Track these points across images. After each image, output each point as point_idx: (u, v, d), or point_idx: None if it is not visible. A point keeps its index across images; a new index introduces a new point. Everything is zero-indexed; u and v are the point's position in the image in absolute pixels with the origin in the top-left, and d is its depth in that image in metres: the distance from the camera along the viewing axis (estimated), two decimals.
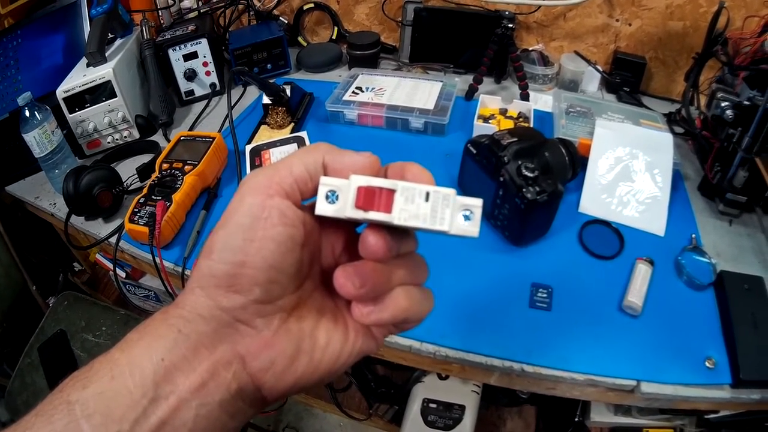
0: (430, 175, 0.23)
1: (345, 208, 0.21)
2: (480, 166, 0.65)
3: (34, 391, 0.88)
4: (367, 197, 0.20)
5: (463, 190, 0.73)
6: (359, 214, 0.20)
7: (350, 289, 0.21)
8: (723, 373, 0.52)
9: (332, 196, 0.21)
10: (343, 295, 0.22)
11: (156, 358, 0.19)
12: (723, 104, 0.65)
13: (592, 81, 0.95)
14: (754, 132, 0.62)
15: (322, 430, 1.26)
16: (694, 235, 0.66)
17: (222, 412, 0.20)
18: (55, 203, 0.79)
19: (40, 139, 0.73)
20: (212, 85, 0.98)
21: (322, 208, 0.21)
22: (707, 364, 0.53)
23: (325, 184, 0.21)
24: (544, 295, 0.59)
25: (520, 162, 0.60)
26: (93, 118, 0.84)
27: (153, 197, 0.68)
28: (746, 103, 0.63)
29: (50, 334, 0.92)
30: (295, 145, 0.77)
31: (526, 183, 0.59)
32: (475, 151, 0.66)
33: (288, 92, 0.86)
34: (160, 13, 1.08)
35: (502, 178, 0.61)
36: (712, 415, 0.77)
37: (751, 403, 0.52)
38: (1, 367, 1.02)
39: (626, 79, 0.93)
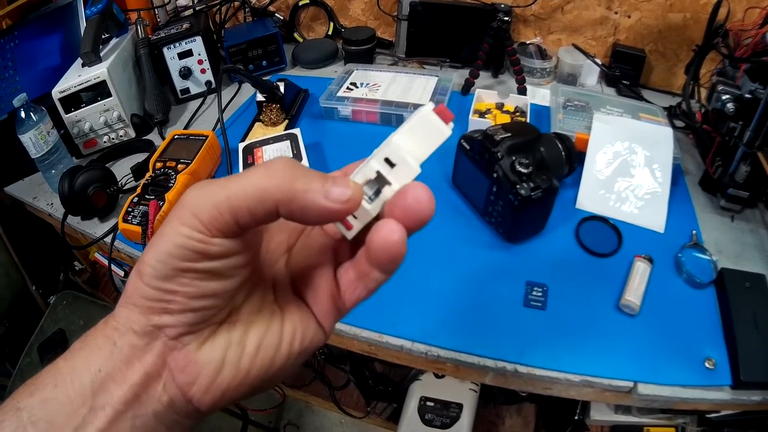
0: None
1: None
2: (473, 162, 0.64)
3: None
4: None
5: (457, 186, 0.72)
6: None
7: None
8: (723, 373, 0.51)
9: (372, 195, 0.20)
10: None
11: (94, 368, 0.19)
12: (724, 97, 0.63)
13: (590, 74, 0.94)
14: (755, 126, 0.60)
15: (322, 428, 1.26)
16: (694, 232, 0.64)
17: (158, 424, 0.20)
18: (52, 203, 0.79)
19: (36, 139, 0.73)
20: (208, 82, 0.98)
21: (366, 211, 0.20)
22: (707, 364, 0.51)
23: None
24: (539, 294, 0.58)
25: (514, 157, 0.59)
26: (89, 117, 0.84)
27: (146, 196, 0.68)
28: (747, 96, 0.62)
29: (49, 334, 0.93)
30: (288, 142, 0.76)
31: (520, 179, 0.58)
32: (468, 147, 0.65)
33: (282, 89, 0.85)
34: (155, 12, 1.08)
35: (495, 174, 0.60)
36: (714, 415, 0.76)
37: (751, 404, 0.51)
38: (4, 366, 1.03)
39: (626, 73, 0.91)
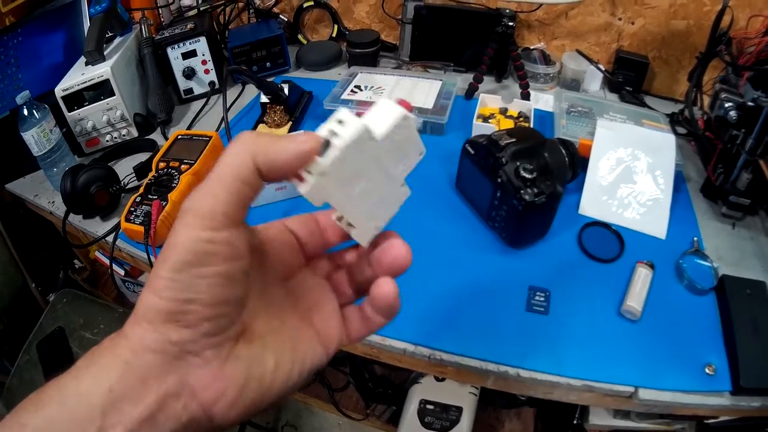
0: None
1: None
2: (478, 167, 0.64)
3: (33, 388, 0.86)
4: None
5: (461, 190, 0.72)
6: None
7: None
8: (723, 379, 0.51)
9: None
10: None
11: (103, 387, 0.19)
12: (726, 105, 0.64)
13: (594, 80, 0.94)
14: (758, 134, 0.61)
15: (321, 429, 1.26)
16: (695, 239, 0.65)
17: None
18: (53, 201, 0.79)
19: (39, 137, 0.73)
20: (211, 83, 0.98)
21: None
22: (707, 370, 0.52)
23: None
24: (542, 299, 0.58)
25: (518, 163, 0.59)
26: (92, 116, 0.84)
27: (149, 196, 0.68)
28: (750, 104, 0.62)
29: (49, 332, 0.92)
30: None
31: (524, 184, 0.58)
32: (473, 152, 0.65)
33: (286, 91, 0.85)
34: (160, 11, 1.08)
35: (499, 179, 0.60)
36: (712, 421, 0.76)
37: (751, 410, 0.51)
38: (2, 363, 1.03)
39: (629, 79, 0.92)
